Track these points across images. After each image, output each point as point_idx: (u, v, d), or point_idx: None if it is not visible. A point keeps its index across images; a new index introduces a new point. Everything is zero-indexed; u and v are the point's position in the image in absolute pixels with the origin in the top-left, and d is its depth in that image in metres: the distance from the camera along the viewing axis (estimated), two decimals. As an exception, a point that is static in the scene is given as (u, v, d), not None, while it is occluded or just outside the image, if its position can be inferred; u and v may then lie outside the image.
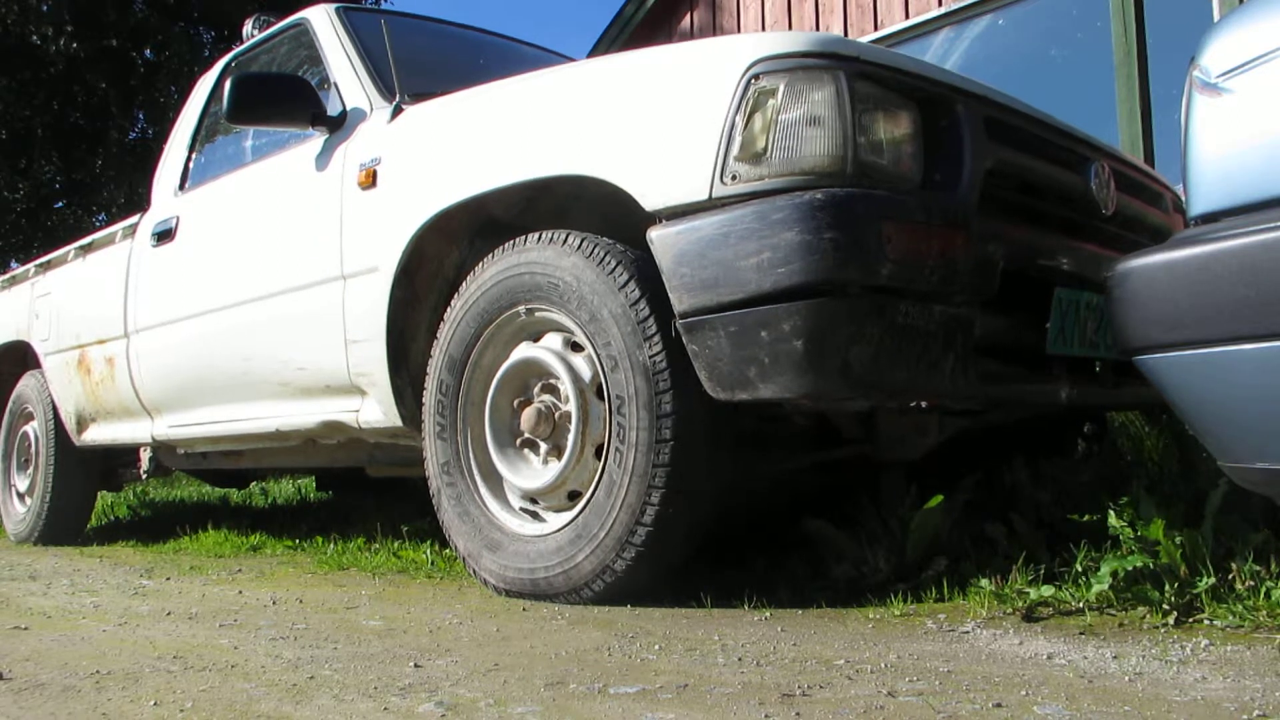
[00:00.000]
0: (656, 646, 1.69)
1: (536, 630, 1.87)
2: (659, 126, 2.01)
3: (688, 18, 7.24)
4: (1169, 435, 3.01)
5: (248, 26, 3.77)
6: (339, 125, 2.86)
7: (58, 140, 12.84)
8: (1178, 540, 1.84)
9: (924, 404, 1.97)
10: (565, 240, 2.15)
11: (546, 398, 2.22)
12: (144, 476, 4.32)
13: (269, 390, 3.03)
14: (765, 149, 1.85)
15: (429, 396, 2.41)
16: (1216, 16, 4.54)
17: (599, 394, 2.10)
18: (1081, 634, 1.71)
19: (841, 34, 5.73)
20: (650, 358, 1.97)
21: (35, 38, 11.50)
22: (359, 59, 2.98)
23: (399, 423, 2.62)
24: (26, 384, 4.67)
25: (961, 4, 5.60)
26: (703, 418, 1.97)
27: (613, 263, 2.05)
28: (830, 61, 1.86)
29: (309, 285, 2.80)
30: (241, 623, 2.10)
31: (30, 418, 4.68)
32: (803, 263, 1.76)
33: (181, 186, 3.72)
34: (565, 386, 2.16)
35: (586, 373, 2.14)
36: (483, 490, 2.32)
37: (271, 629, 2.01)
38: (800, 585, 2.19)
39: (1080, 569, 1.95)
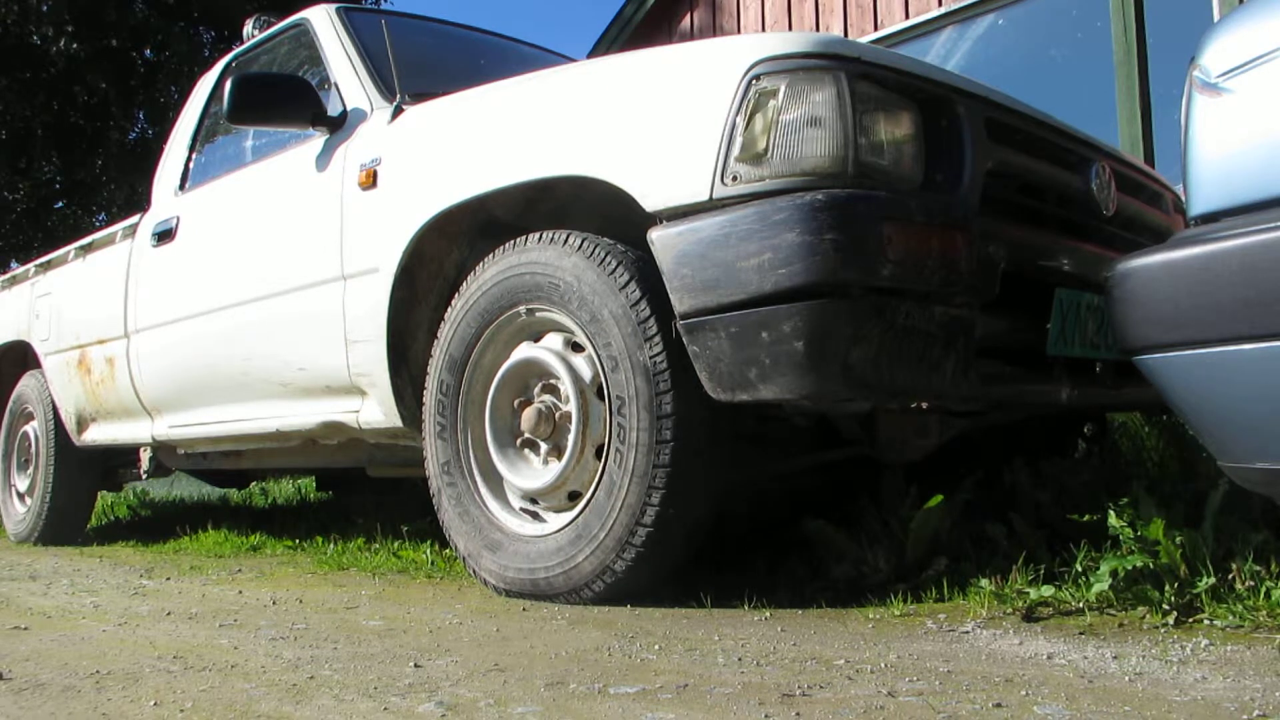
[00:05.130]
0: (656, 646, 1.69)
1: (536, 630, 1.87)
2: (660, 127, 2.01)
3: (687, 18, 7.24)
4: (1169, 435, 3.02)
5: (248, 27, 3.77)
6: (339, 125, 2.86)
7: (58, 140, 12.83)
8: (1178, 540, 1.84)
9: (924, 405, 1.97)
10: (566, 240, 2.15)
11: (547, 398, 2.23)
12: (144, 476, 4.32)
13: (269, 390, 3.03)
14: (766, 150, 1.85)
15: (429, 396, 2.41)
16: (1216, 16, 4.55)
17: (599, 394, 2.10)
18: (1081, 634, 1.71)
19: (841, 34, 5.74)
20: (651, 358, 1.97)
21: (35, 38, 11.49)
22: (359, 59, 2.98)
23: (399, 423, 2.62)
24: (26, 384, 4.67)
25: (961, 4, 5.61)
26: (703, 419, 1.97)
27: (613, 263, 2.05)
28: (831, 62, 1.86)
29: (309, 285, 2.80)
30: (241, 623, 2.10)
31: (30, 418, 4.68)
32: (804, 264, 1.76)
33: (182, 186, 3.73)
34: (566, 387, 2.16)
35: (587, 373, 2.14)
36: (483, 490, 2.32)
37: (271, 629, 2.01)
38: (800, 585, 2.19)
39: (1080, 569, 1.95)
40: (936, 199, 1.92)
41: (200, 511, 5.61)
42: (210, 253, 3.35)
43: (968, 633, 1.75)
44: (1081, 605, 1.85)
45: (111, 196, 12.90)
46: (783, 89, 1.85)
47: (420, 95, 2.73)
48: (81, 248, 4.29)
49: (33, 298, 4.57)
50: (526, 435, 2.25)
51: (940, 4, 5.70)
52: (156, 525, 5.13)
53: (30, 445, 4.68)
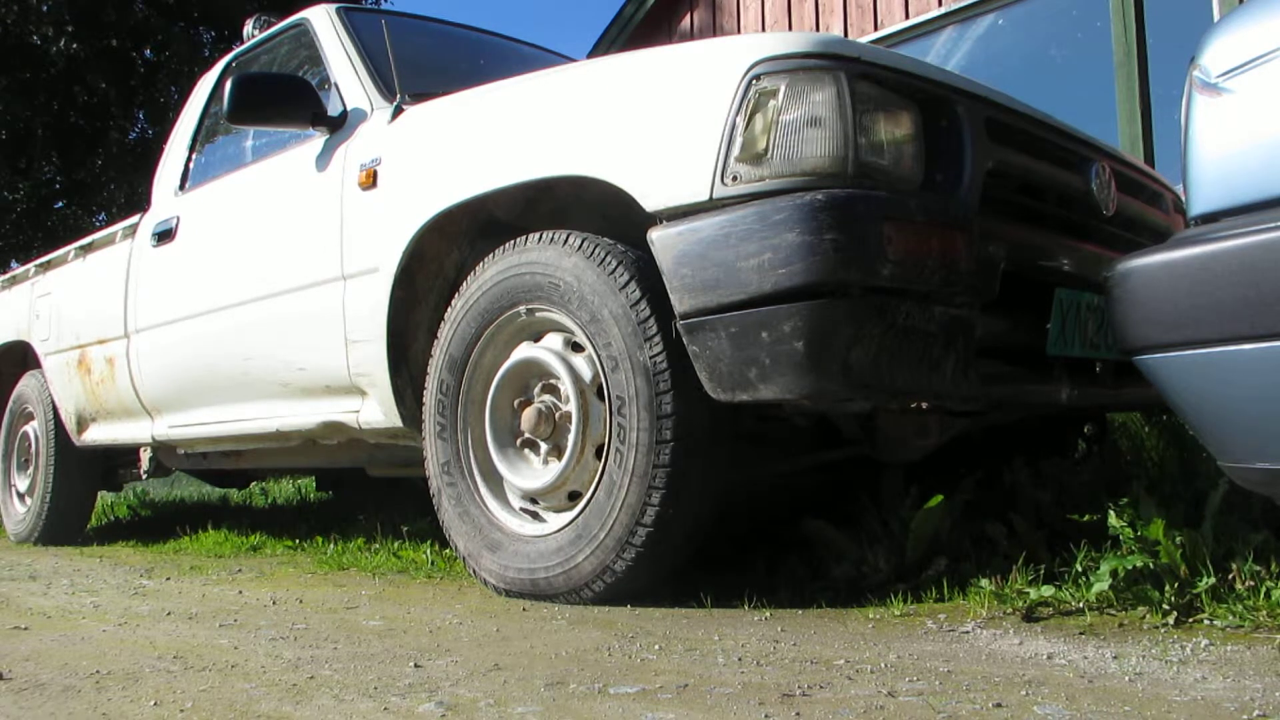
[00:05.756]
0: (656, 646, 1.69)
1: (536, 630, 1.87)
2: (660, 127, 2.01)
3: (687, 18, 7.24)
4: (1169, 435, 3.02)
5: (248, 27, 3.77)
6: (339, 125, 2.86)
7: (58, 140, 12.84)
8: (1178, 540, 1.84)
9: (924, 405, 1.97)
10: (566, 240, 2.15)
11: (547, 398, 2.23)
12: (144, 476, 4.32)
13: (269, 390, 3.03)
14: (766, 150, 1.85)
15: (429, 396, 2.41)
16: (1216, 16, 4.54)
17: (599, 394, 2.10)
18: (1081, 634, 1.71)
19: (841, 34, 5.74)
20: (651, 358, 1.97)
21: (35, 38, 11.50)
22: (359, 59, 2.98)
23: (399, 423, 2.62)
24: (26, 384, 4.67)
25: (961, 4, 5.61)
26: (703, 419, 1.97)
27: (613, 263, 2.05)
28: (831, 62, 1.86)
29: (309, 286, 2.80)
30: (241, 623, 2.10)
31: (30, 418, 4.68)
32: (804, 264, 1.76)
33: (182, 186, 3.73)
34: (566, 387, 2.16)
35: (587, 373, 2.14)
36: (483, 490, 2.32)
37: (271, 629, 2.01)
38: (800, 585, 2.19)
39: (1080, 569, 1.95)
40: (936, 199, 1.92)
41: (200, 511, 5.61)
42: (210, 253, 3.35)
43: (968, 633, 1.75)
44: (1081, 605, 1.85)
45: (111, 196, 12.91)
46: (783, 89, 1.85)
47: (420, 95, 2.73)
48: (81, 248, 4.29)
49: (33, 298, 4.57)
50: (526, 435, 2.25)
51: (940, 4, 5.70)
52: (156, 525, 5.13)
53: (30, 445, 4.68)
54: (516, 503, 2.29)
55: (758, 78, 1.87)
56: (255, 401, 3.12)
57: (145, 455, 4.18)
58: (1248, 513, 2.04)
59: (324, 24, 3.18)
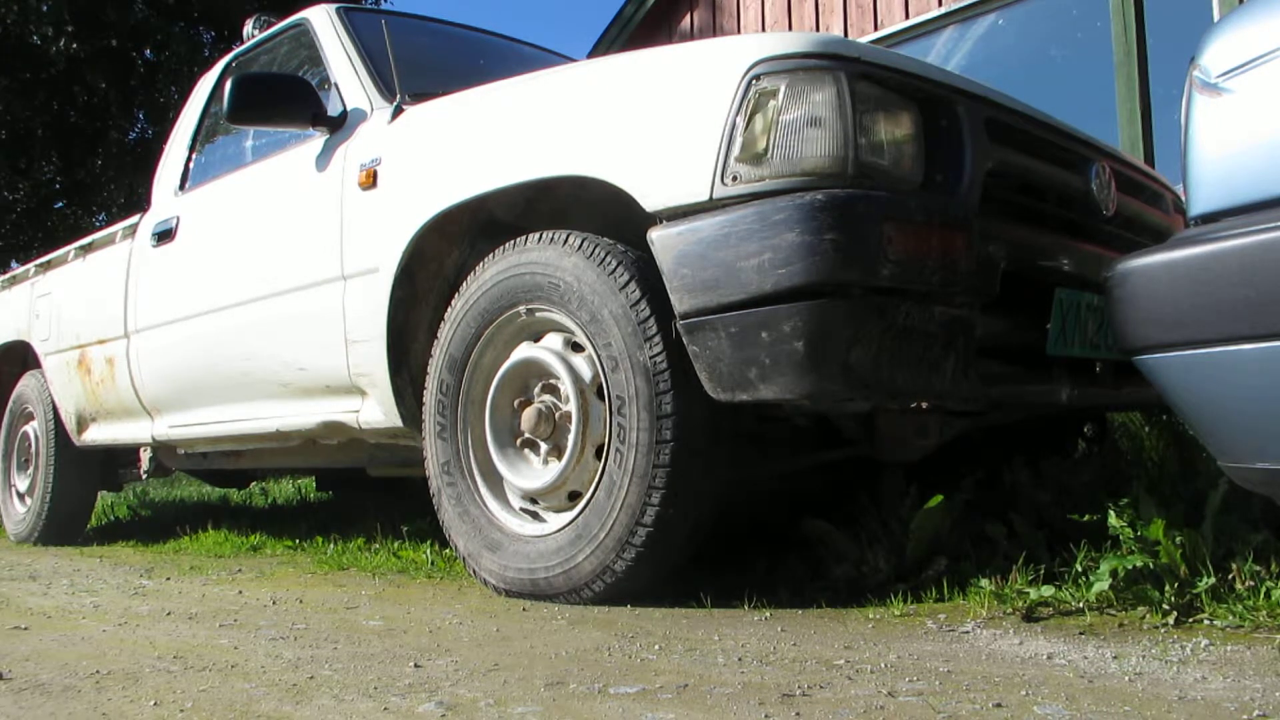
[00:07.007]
0: (656, 646, 1.69)
1: (536, 630, 1.87)
2: (660, 127, 2.01)
3: (687, 18, 7.24)
4: (1169, 435, 3.02)
5: (248, 27, 3.78)
6: (339, 125, 2.86)
7: (58, 140, 12.83)
8: (1178, 540, 1.84)
9: (924, 405, 1.97)
10: (566, 240, 2.15)
11: (547, 398, 2.23)
12: (144, 476, 4.32)
13: (269, 390, 3.03)
14: (766, 150, 1.85)
15: (429, 396, 2.41)
16: (1216, 16, 4.55)
17: (599, 394, 2.10)
18: (1081, 634, 1.71)
19: (842, 34, 5.74)
20: (651, 358, 1.97)
21: (35, 38, 11.49)
22: (359, 59, 2.98)
23: (399, 423, 2.62)
24: (26, 384, 4.67)
25: (961, 4, 5.61)
26: (703, 419, 1.97)
27: (613, 263, 2.05)
28: (831, 62, 1.86)
29: (309, 285, 2.80)
30: (241, 623, 2.11)
31: (30, 418, 4.68)
32: (804, 263, 1.76)
33: (182, 187, 3.73)
34: (566, 387, 2.16)
35: (587, 373, 2.14)
36: (483, 490, 2.32)
37: (271, 629, 2.01)
38: (800, 585, 2.19)
39: (1080, 569, 1.95)
40: (936, 199, 1.92)
41: (200, 511, 5.61)
42: (210, 253, 3.35)
43: (968, 633, 1.75)
44: (1081, 605, 1.85)
45: (111, 196, 12.91)
46: (783, 89, 1.85)
47: (420, 95, 2.74)
48: (81, 248, 4.29)
49: (33, 298, 4.57)
50: (526, 435, 2.25)
51: (940, 4, 5.70)
52: (156, 525, 5.13)
53: (30, 445, 4.68)
54: (516, 503, 2.29)
55: (758, 78, 1.87)
56: (255, 401, 3.12)
57: (145, 455, 4.18)
58: (1248, 513, 2.04)
59: (324, 24, 3.18)
